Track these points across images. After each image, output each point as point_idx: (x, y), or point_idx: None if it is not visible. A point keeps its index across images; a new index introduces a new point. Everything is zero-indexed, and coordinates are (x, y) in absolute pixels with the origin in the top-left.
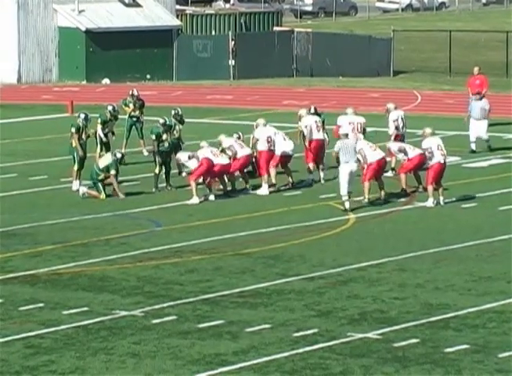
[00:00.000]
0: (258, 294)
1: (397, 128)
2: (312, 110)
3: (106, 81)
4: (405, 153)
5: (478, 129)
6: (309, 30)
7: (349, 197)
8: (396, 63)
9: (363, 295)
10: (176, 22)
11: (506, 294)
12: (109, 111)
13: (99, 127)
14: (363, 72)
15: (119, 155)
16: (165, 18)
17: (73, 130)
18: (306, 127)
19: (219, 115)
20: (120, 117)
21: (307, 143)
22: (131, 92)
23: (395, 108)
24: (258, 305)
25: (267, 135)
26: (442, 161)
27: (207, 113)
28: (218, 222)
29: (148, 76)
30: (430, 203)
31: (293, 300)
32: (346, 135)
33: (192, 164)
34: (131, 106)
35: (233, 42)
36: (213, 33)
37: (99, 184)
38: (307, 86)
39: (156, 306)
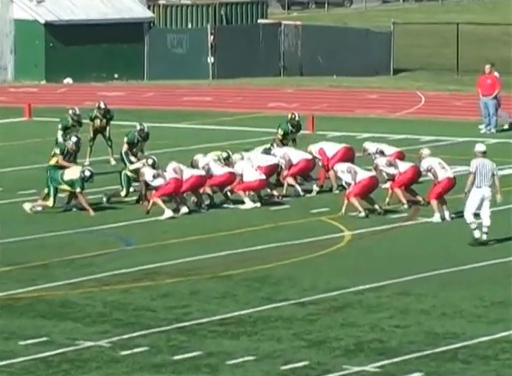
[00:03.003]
0: (241, 322)
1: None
2: (297, 118)
3: (68, 80)
4: (396, 167)
5: None
6: (298, 22)
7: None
8: (397, 60)
9: (360, 323)
10: (148, 14)
11: None
12: (70, 115)
13: (60, 133)
14: (359, 70)
15: (87, 173)
16: (135, 9)
17: (57, 151)
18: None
19: (197, 119)
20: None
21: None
22: (97, 105)
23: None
24: (241, 335)
25: (250, 166)
26: (452, 176)
27: (183, 117)
28: (196, 240)
29: (116, 75)
30: (437, 218)
31: (280, 328)
32: (484, 154)
33: (158, 183)
34: (98, 122)
35: (212, 37)
36: (189, 26)
37: (52, 189)
38: (296, 86)
39: (126, 336)
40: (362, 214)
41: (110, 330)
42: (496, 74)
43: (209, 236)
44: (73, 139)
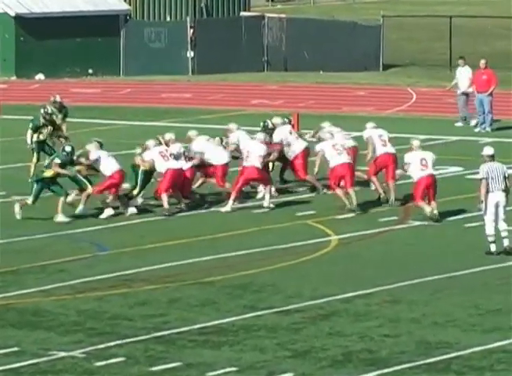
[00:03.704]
0: (222, 331)
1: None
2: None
3: (40, 76)
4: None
5: None
6: (283, 15)
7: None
8: (386, 55)
9: (348, 332)
10: (124, 6)
11: None
12: (42, 114)
13: (29, 133)
14: (347, 66)
15: (68, 149)
16: (111, 1)
17: (57, 161)
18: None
19: (176, 117)
20: None
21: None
22: (52, 99)
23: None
24: (222, 345)
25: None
26: (430, 173)
27: (161, 114)
28: (175, 245)
29: (90, 70)
30: (427, 210)
31: (264, 338)
32: (492, 157)
33: (103, 169)
34: (54, 118)
35: (192, 30)
36: (168, 19)
37: (36, 187)
38: (280, 82)
39: (101, 346)
40: (351, 206)
41: (85, 339)
42: (469, 68)
43: (188, 240)
44: (68, 148)
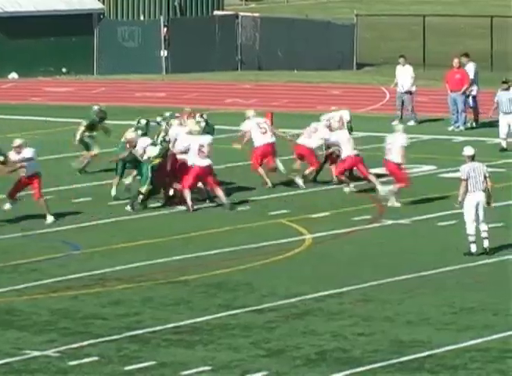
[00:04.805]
0: (196, 330)
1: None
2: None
3: (13, 75)
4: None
5: (508, 123)
6: (257, 14)
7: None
8: (360, 54)
9: (321, 331)
10: (98, 5)
11: (491, 328)
12: (96, 112)
13: (82, 129)
14: (321, 65)
15: None
16: (84, 0)
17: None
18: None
19: (150, 116)
20: None
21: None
22: None
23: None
24: (196, 344)
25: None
26: (355, 153)
27: (135, 113)
28: (148, 244)
29: (64, 69)
30: (350, 188)
31: (238, 337)
32: (472, 158)
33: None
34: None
35: (166, 29)
36: (141, 18)
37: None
38: (254, 81)
39: (74, 345)
40: (269, 185)
41: (58, 339)
42: (409, 67)
43: (162, 239)
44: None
